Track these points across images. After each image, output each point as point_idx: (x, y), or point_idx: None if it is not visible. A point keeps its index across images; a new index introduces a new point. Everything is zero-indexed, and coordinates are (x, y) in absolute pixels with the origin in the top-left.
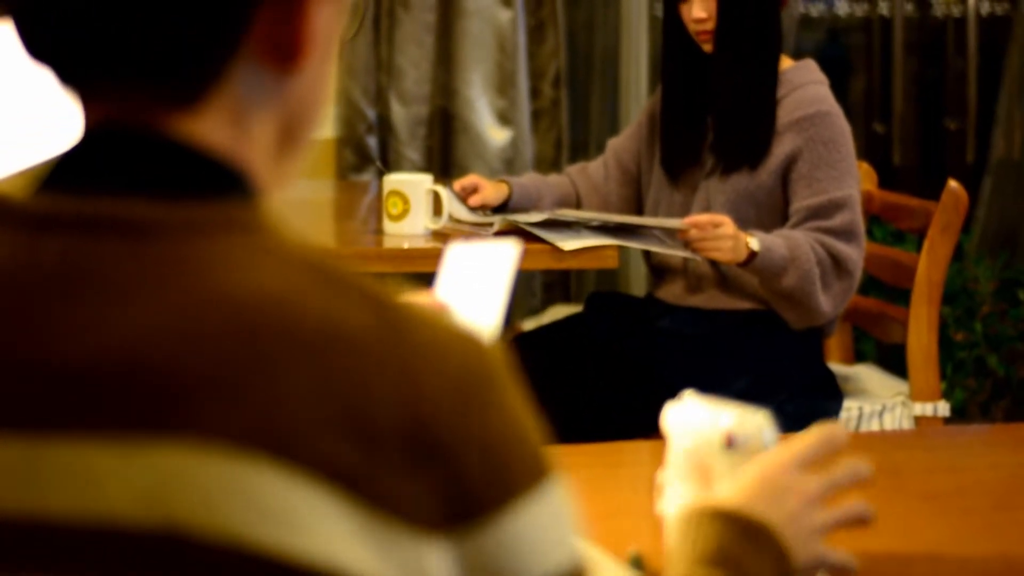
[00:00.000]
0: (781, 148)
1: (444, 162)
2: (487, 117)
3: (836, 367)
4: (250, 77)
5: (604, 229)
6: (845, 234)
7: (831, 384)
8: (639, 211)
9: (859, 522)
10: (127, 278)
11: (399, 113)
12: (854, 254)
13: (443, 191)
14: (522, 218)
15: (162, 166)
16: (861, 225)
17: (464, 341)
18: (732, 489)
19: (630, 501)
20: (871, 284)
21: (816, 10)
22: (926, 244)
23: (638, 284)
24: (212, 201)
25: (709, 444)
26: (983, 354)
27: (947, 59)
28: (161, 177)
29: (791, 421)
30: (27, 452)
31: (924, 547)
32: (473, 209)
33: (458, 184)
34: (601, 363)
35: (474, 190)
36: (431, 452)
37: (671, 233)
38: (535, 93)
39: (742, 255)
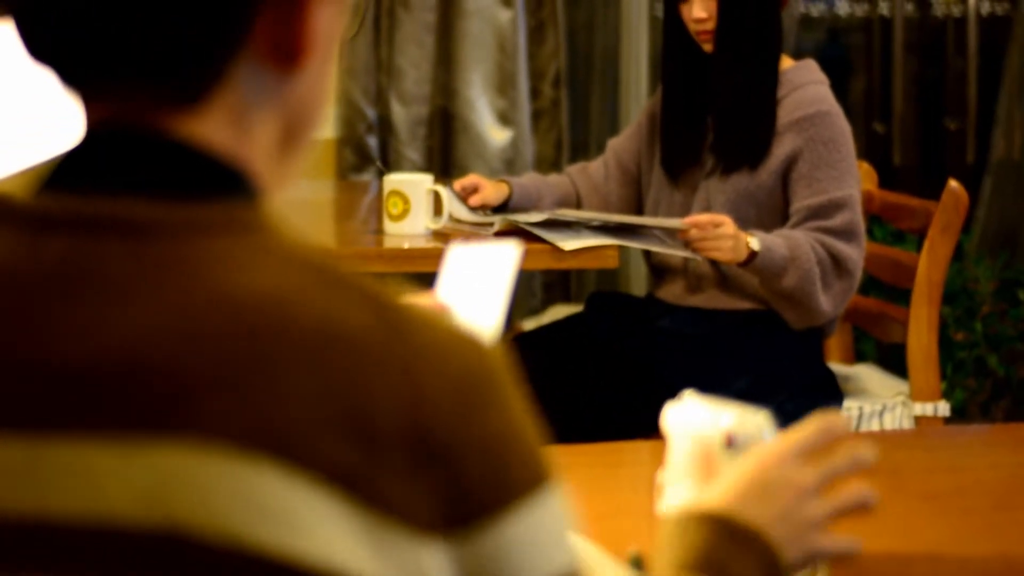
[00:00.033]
0: (781, 148)
1: (444, 162)
2: (487, 117)
3: (836, 367)
4: (251, 77)
5: (604, 229)
6: (845, 234)
7: (831, 384)
8: (639, 211)
9: (861, 508)
10: (128, 278)
11: (399, 113)
12: (854, 254)
13: (443, 191)
14: (522, 218)
15: (163, 166)
16: (861, 225)
17: (465, 342)
18: (721, 489)
19: (630, 501)
20: (871, 284)
21: (816, 10)
22: (926, 244)
23: (638, 284)
24: (213, 201)
25: (709, 444)
26: (983, 354)
27: (947, 59)
28: (162, 177)
29: (791, 421)
30: (27, 452)
31: (924, 547)
32: (473, 209)
33: (458, 184)
34: (601, 363)
35: (474, 190)
36: (431, 453)
37: (671, 233)
38: (535, 93)
39: (742, 255)
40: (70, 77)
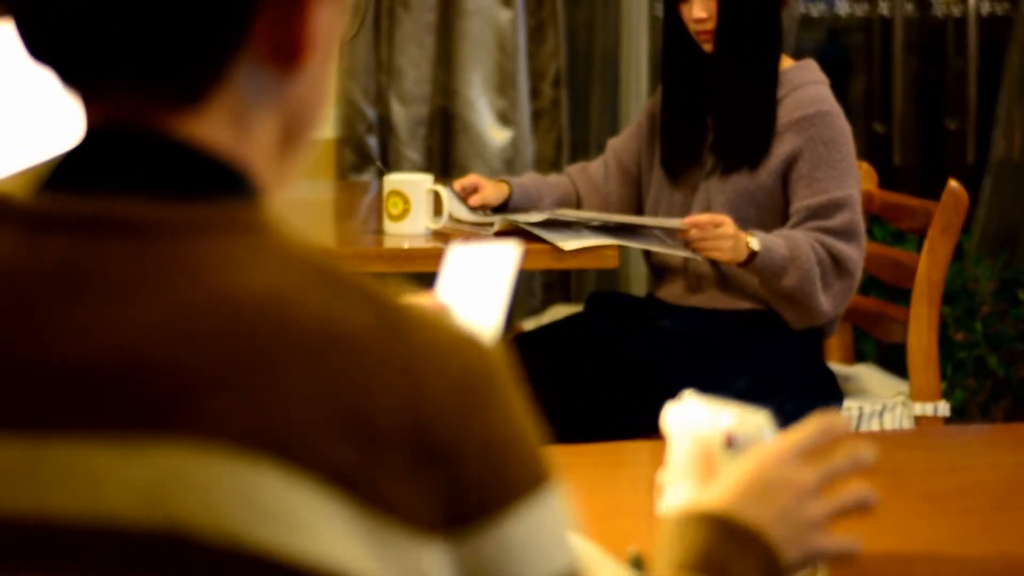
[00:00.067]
0: (781, 148)
1: (444, 162)
2: (487, 117)
3: (836, 367)
4: (251, 77)
5: (604, 229)
6: (845, 234)
7: (831, 384)
8: (639, 211)
9: (862, 508)
10: (127, 278)
11: (399, 113)
12: (854, 254)
13: (443, 191)
14: (522, 218)
15: (163, 166)
16: (861, 225)
17: (466, 343)
18: (721, 489)
19: (630, 501)
20: (871, 284)
21: (816, 10)
22: (926, 244)
23: (638, 284)
24: (213, 201)
25: (709, 444)
26: (983, 354)
27: (947, 59)
28: (162, 177)
29: (791, 421)
30: (27, 452)
31: (924, 547)
32: (473, 209)
33: (458, 184)
34: (601, 363)
35: (474, 190)
36: (431, 453)
37: (671, 233)
38: (535, 93)
39: (742, 255)
40: (70, 77)
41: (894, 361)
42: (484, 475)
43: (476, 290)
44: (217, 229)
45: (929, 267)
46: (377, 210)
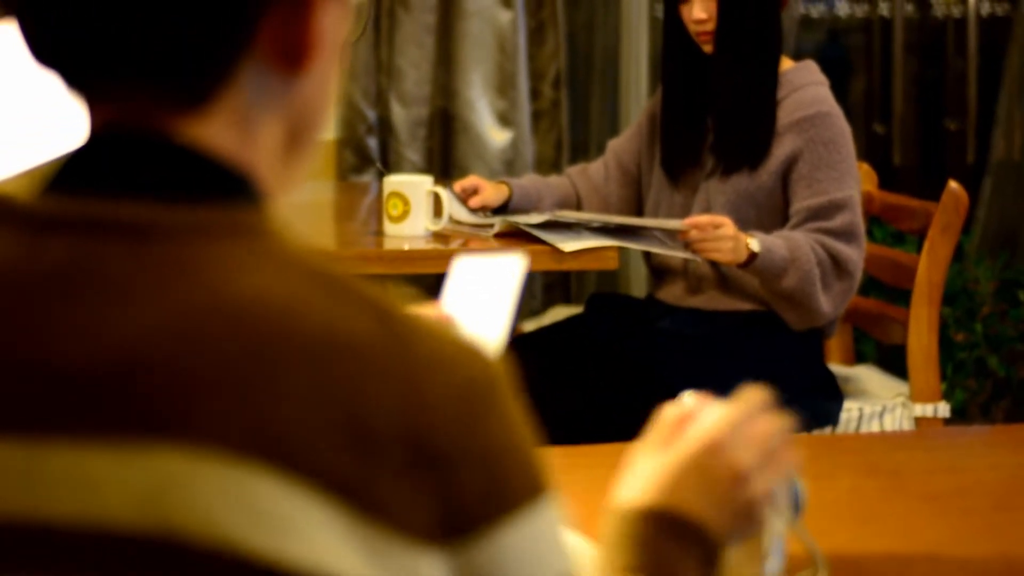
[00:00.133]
0: (781, 149)
1: (444, 163)
2: (487, 118)
3: (836, 368)
4: (256, 80)
5: (604, 230)
6: (845, 235)
7: (831, 385)
8: (639, 212)
9: (787, 445)
10: (128, 279)
11: (399, 114)
12: (854, 255)
13: (443, 192)
14: (522, 219)
15: (167, 169)
16: (861, 226)
17: (469, 354)
18: (658, 478)
19: None
20: (871, 285)
21: (816, 11)
22: (926, 245)
23: (638, 285)
24: (216, 204)
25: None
26: (983, 355)
27: (947, 59)
28: (165, 180)
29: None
30: (26, 454)
31: (924, 547)
32: (473, 210)
33: (458, 185)
34: (602, 364)
35: (474, 191)
36: (431, 463)
37: (671, 234)
38: (535, 94)
39: (742, 256)
40: (74, 79)
41: (894, 362)
42: (483, 485)
43: (481, 301)
44: (219, 232)
45: (929, 268)
46: (377, 211)
